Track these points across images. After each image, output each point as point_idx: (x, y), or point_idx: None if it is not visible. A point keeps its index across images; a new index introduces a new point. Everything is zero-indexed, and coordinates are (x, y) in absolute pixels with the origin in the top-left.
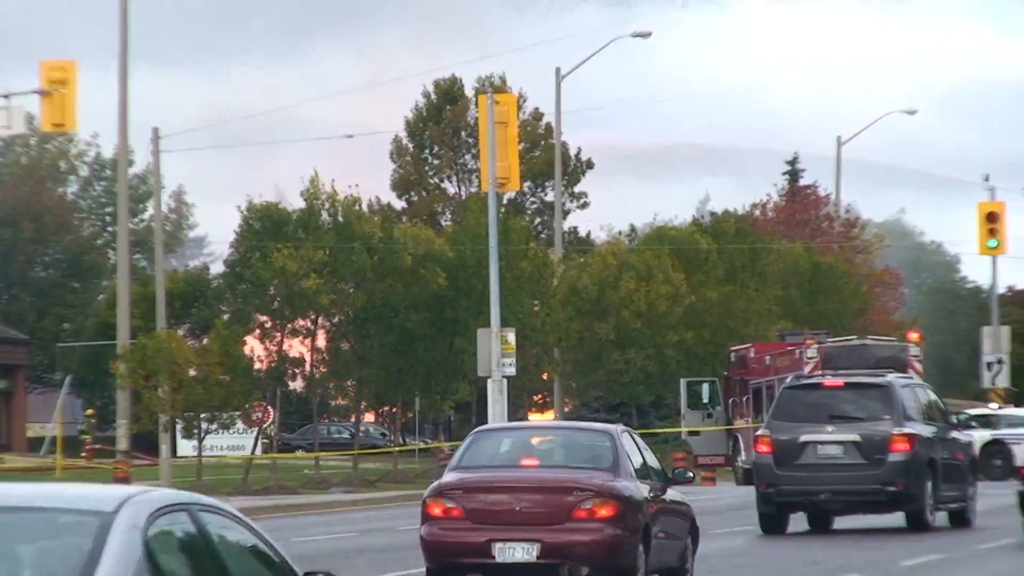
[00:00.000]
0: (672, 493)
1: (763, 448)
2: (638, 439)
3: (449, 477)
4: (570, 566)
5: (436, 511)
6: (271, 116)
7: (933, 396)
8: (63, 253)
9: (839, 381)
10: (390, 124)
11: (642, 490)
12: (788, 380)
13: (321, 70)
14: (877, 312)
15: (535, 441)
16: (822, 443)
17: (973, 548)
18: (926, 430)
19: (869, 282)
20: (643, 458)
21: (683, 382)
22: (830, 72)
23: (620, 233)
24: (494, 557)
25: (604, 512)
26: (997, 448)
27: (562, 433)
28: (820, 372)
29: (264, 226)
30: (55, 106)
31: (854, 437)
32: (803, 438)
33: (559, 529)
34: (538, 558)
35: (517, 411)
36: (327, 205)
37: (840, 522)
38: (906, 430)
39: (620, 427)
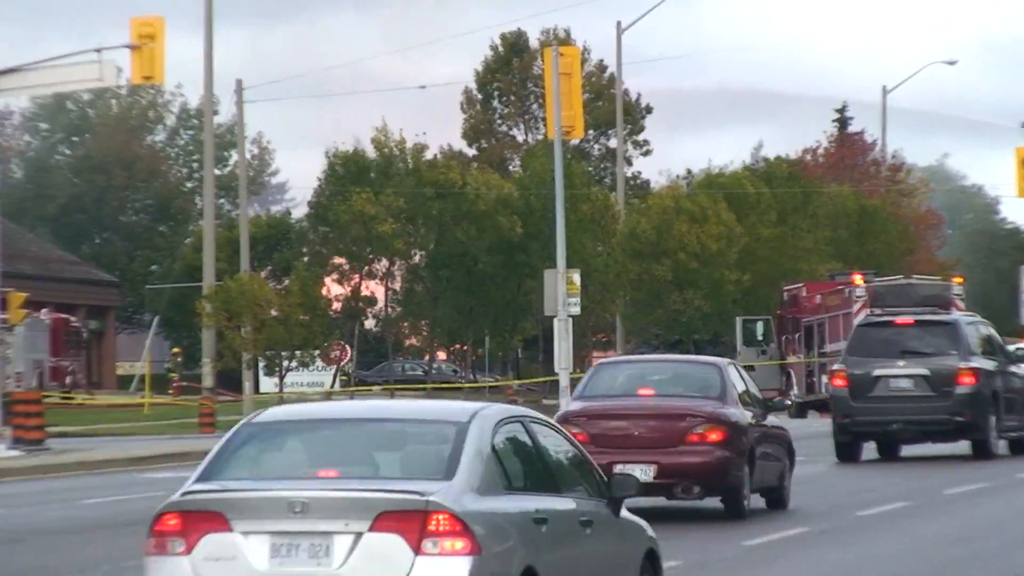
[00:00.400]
0: (771, 419)
1: (839, 382)
2: (742, 371)
3: (574, 406)
4: (684, 485)
5: None
6: (348, 68)
7: (993, 332)
8: (152, 199)
9: (909, 319)
10: (461, 75)
11: (746, 416)
12: (861, 318)
13: (395, 24)
14: (921, 252)
15: (650, 372)
16: (894, 377)
17: (1014, 477)
18: (989, 364)
19: (913, 223)
20: (746, 387)
21: (738, 320)
22: (875, 25)
23: (678, 177)
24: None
25: (714, 436)
26: None
27: (674, 365)
28: (870, 310)
29: (347, 171)
30: (144, 60)
31: (923, 371)
32: (876, 372)
33: (673, 452)
34: (655, 478)
35: (581, 349)
36: (397, 152)
37: (907, 450)
38: (972, 364)
39: (726, 360)
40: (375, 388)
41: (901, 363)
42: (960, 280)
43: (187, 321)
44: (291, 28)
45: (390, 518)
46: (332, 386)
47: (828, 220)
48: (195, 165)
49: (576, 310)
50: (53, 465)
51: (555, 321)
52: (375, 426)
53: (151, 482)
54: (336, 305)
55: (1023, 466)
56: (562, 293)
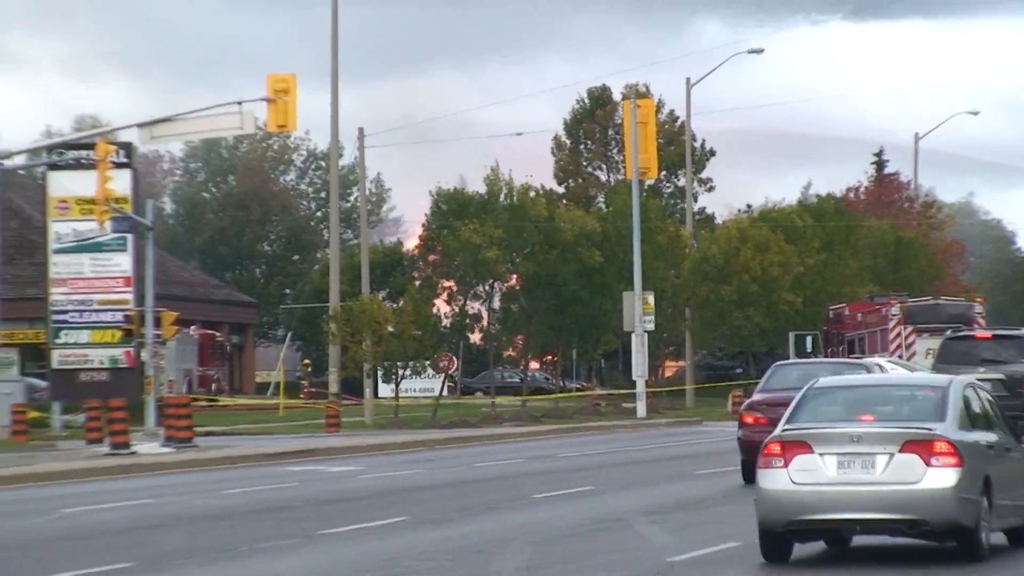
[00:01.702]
0: None
1: None
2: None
3: (757, 397)
4: None
5: (748, 420)
6: (454, 118)
7: None
8: (284, 231)
9: (987, 334)
10: (551, 125)
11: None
12: (948, 333)
13: (494, 81)
14: (948, 277)
15: (815, 370)
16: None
17: None
18: None
19: (941, 252)
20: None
21: (791, 335)
22: (908, 80)
23: (739, 211)
24: None
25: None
26: None
27: (831, 366)
28: (903, 326)
29: (451, 207)
30: (279, 111)
31: (999, 375)
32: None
33: None
34: None
35: (654, 360)
36: (505, 191)
37: None
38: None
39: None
40: (478, 394)
41: (981, 369)
42: (981, 300)
43: (315, 336)
44: (404, 84)
45: (911, 444)
46: (441, 392)
47: (868, 249)
48: (322, 201)
49: (651, 326)
50: (200, 460)
51: (632, 336)
52: (890, 389)
53: (285, 474)
54: (445, 322)
55: None
56: (639, 312)
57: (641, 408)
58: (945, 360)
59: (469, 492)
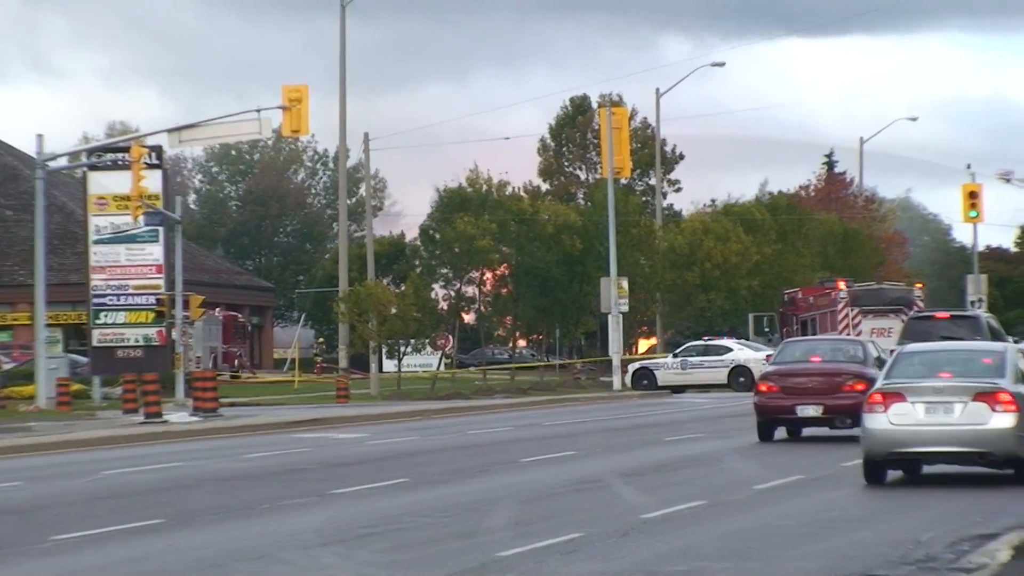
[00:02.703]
0: None
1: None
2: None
3: (769, 368)
4: (839, 419)
5: (763, 388)
6: (449, 124)
7: (996, 324)
8: (298, 224)
9: (945, 314)
10: (535, 130)
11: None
12: (911, 313)
13: (484, 91)
14: (890, 265)
15: (816, 346)
16: None
17: None
18: (999, 346)
19: (883, 243)
20: (877, 354)
21: (750, 316)
22: (854, 90)
23: (704, 206)
24: (796, 414)
25: (859, 387)
26: None
27: (831, 343)
28: (850, 308)
29: (452, 202)
30: (293, 118)
31: None
32: None
33: (833, 397)
34: (822, 414)
35: (629, 339)
36: (485, 187)
37: None
38: (993, 347)
39: (864, 339)
40: (471, 368)
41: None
42: (921, 285)
43: (327, 317)
44: (404, 94)
45: (980, 395)
46: (438, 367)
47: (818, 240)
48: (331, 198)
49: (625, 308)
50: (224, 428)
51: (609, 317)
52: (960, 353)
53: (299, 440)
54: (442, 304)
55: None
56: (614, 296)
57: (616, 381)
58: (908, 337)
59: (463, 456)
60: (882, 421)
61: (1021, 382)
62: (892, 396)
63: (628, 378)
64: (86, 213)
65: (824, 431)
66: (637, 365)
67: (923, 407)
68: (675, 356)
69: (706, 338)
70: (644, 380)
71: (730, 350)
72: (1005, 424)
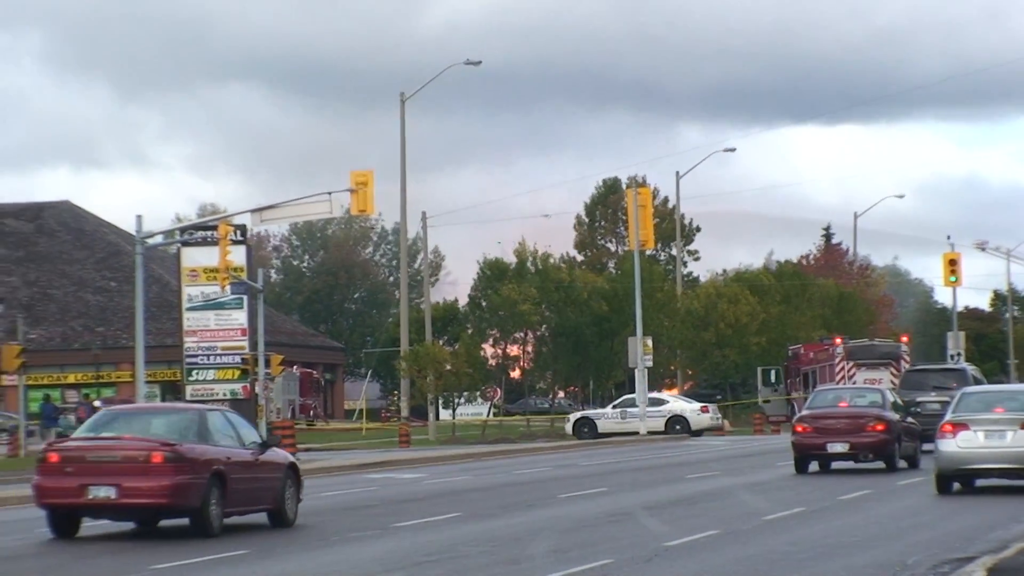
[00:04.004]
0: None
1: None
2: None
3: (804, 412)
4: (863, 454)
5: (799, 429)
6: (496, 203)
7: (980, 375)
8: (365, 292)
9: (937, 367)
10: (570, 208)
11: (896, 416)
12: (907, 368)
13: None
14: (881, 323)
15: (843, 394)
16: (929, 402)
17: None
18: None
19: (875, 304)
20: (894, 399)
21: (759, 370)
22: (850, 172)
23: (717, 274)
24: (827, 450)
25: (880, 427)
26: None
27: (855, 390)
28: (846, 361)
29: (492, 273)
30: (360, 199)
31: (946, 398)
32: (919, 398)
33: (858, 436)
34: (848, 450)
35: (653, 390)
36: (530, 259)
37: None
38: None
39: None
40: (516, 417)
41: (932, 394)
42: (907, 341)
43: (390, 373)
44: (455, 176)
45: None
46: (488, 415)
47: (818, 302)
48: (393, 269)
49: (650, 363)
50: (302, 471)
51: (636, 371)
52: (1010, 393)
53: (367, 480)
54: (491, 361)
55: None
56: (640, 352)
57: (643, 427)
58: (905, 387)
59: (509, 493)
60: (951, 445)
61: None
62: (959, 426)
63: (569, 426)
64: (180, 284)
65: (850, 464)
66: (578, 415)
67: (983, 434)
68: (614, 407)
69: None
70: (585, 428)
71: (666, 402)
72: None
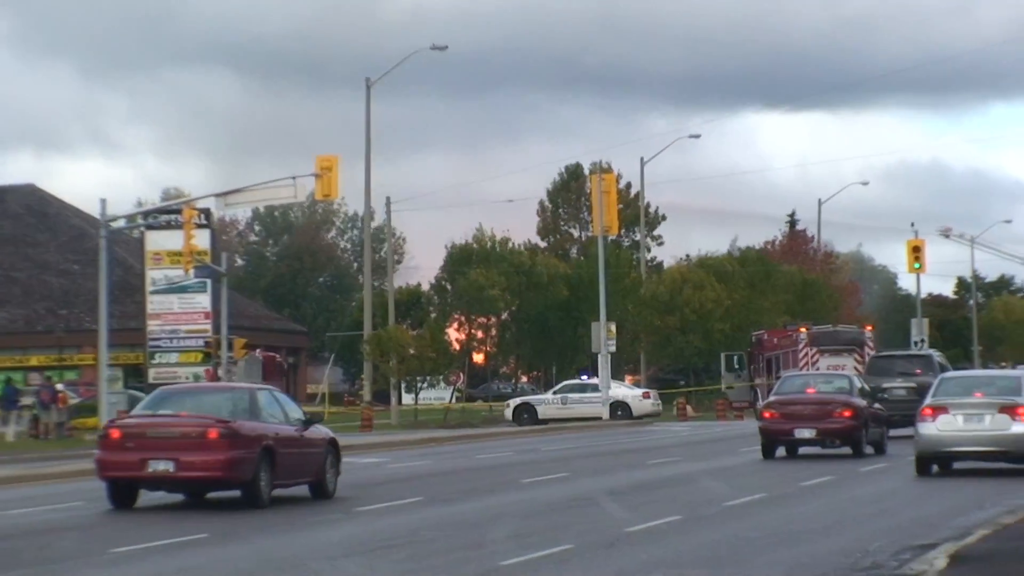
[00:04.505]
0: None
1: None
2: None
3: (772, 399)
4: (831, 440)
5: (767, 415)
6: (458, 188)
7: (946, 362)
8: (329, 277)
9: (902, 353)
10: (534, 193)
11: (863, 402)
12: (873, 353)
13: (489, 159)
14: (844, 310)
15: (812, 379)
16: (895, 388)
17: None
18: None
19: (839, 291)
20: (862, 385)
21: (723, 355)
22: (814, 157)
23: (682, 259)
24: (794, 435)
25: (846, 413)
26: None
27: (823, 376)
28: (810, 347)
29: (461, 257)
30: (324, 184)
31: (912, 384)
32: (885, 384)
33: (825, 422)
34: (816, 436)
35: (616, 375)
36: (489, 244)
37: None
38: (1012, 374)
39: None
40: (479, 401)
41: (899, 380)
42: (871, 327)
43: (353, 357)
44: (420, 161)
45: (1004, 409)
46: (450, 400)
47: (782, 289)
48: (357, 253)
49: (613, 348)
50: None
51: (599, 356)
52: (986, 378)
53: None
54: (455, 345)
55: None
56: (604, 337)
57: (605, 412)
58: (871, 373)
59: (471, 478)
60: (931, 428)
61: None
62: (939, 410)
63: (509, 412)
64: (144, 267)
65: (817, 449)
66: (519, 401)
67: (962, 417)
68: (555, 393)
69: (583, 378)
70: (525, 414)
71: (607, 388)
72: (1022, 430)
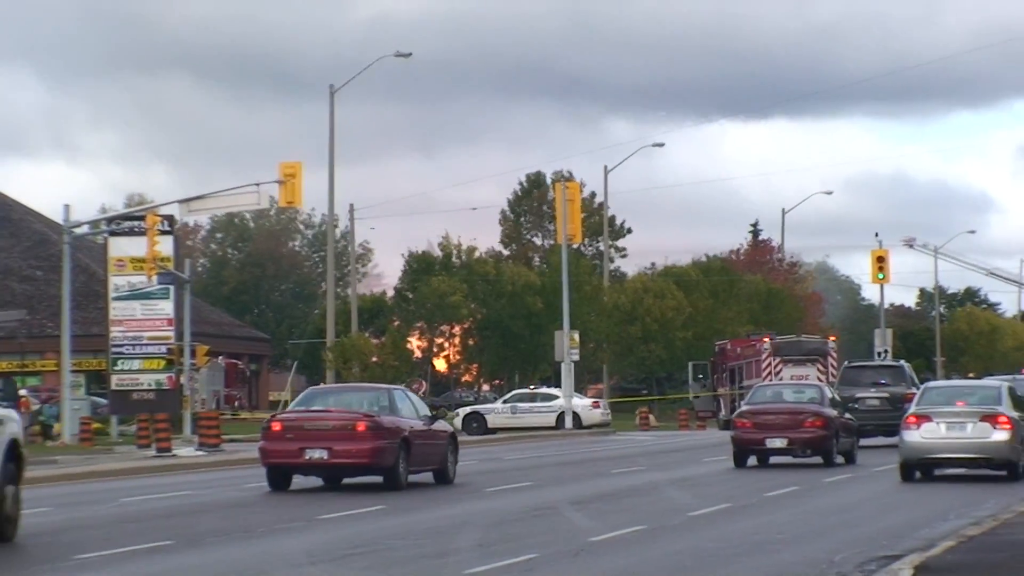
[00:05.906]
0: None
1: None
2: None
3: (744, 407)
4: (801, 449)
5: (738, 424)
6: (421, 196)
7: (913, 372)
8: (292, 284)
9: (875, 364)
10: (496, 201)
11: (834, 412)
12: (846, 363)
13: (451, 166)
14: (809, 320)
15: (782, 390)
16: (867, 397)
17: None
18: None
19: (803, 301)
20: (833, 395)
21: (690, 364)
22: (777, 167)
23: (645, 269)
24: (765, 445)
25: (818, 423)
26: None
27: (795, 387)
28: (773, 358)
29: (419, 266)
30: (288, 191)
31: (885, 394)
32: (858, 394)
33: (796, 431)
34: (787, 446)
35: (580, 384)
36: (455, 252)
37: (866, 442)
38: (912, 391)
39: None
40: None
41: (872, 390)
42: (835, 338)
43: (315, 365)
44: (383, 168)
45: (986, 417)
46: None
47: (746, 298)
48: (320, 261)
49: (576, 357)
50: (226, 461)
51: (562, 364)
52: (969, 388)
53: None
54: (417, 353)
55: None
56: (567, 346)
57: (568, 421)
58: (844, 382)
59: (433, 486)
60: (915, 436)
61: (1012, 408)
62: (923, 418)
63: (459, 421)
64: (107, 274)
65: (787, 459)
66: (468, 410)
67: (945, 425)
68: (504, 402)
69: (532, 387)
70: (474, 423)
71: (557, 397)
72: (1003, 438)
